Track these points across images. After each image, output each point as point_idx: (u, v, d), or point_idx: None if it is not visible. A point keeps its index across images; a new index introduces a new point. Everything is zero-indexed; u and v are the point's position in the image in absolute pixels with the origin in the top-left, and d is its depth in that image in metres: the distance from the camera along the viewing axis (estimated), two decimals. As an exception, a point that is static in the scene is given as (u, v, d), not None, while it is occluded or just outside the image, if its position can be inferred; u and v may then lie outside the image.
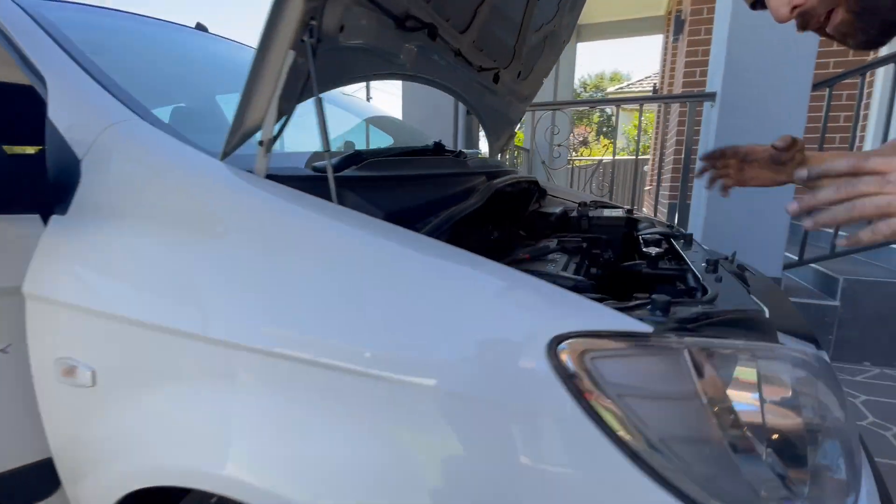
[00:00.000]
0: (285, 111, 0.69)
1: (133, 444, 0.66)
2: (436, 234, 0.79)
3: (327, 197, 0.76)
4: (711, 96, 2.44)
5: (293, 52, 0.64)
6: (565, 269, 1.07)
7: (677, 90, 4.62)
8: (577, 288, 0.92)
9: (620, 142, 13.43)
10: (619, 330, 0.50)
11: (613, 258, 1.45)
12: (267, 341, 0.55)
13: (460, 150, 1.24)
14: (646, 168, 6.76)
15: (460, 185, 1.02)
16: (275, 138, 0.69)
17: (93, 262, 0.69)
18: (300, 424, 0.54)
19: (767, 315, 0.74)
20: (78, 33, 1.12)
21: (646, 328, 0.50)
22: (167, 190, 0.69)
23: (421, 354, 0.51)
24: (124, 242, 0.68)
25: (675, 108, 4.27)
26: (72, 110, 0.80)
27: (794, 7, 0.59)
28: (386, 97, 22.80)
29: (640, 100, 2.79)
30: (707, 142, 2.54)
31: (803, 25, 0.61)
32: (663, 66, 6.71)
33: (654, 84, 8.86)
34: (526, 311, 0.50)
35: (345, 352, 0.53)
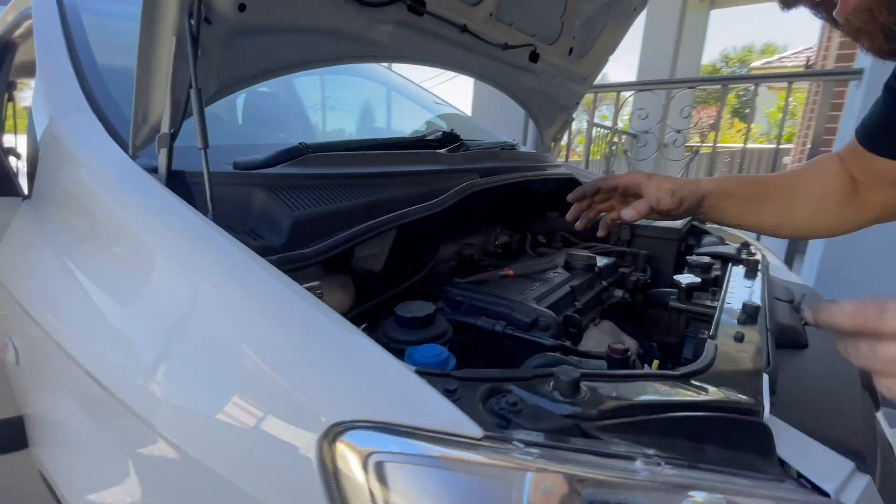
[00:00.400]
0: (181, 103, 0.63)
1: (39, 429, 0.69)
2: (360, 240, 0.67)
3: (241, 197, 0.70)
4: (857, 74, 1.88)
5: (175, 38, 0.57)
6: (552, 292, 0.88)
7: (830, 65, 3.70)
8: (536, 324, 0.74)
9: (760, 125, 11.45)
10: (430, 428, 0.35)
11: (650, 280, 1.19)
12: (90, 365, 0.51)
13: (461, 143, 1.09)
14: (786, 160, 5.64)
15: (431, 184, 0.88)
16: (174, 134, 0.64)
17: (21, 249, 0.72)
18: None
19: (765, 413, 0.50)
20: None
21: (473, 431, 0.35)
22: (78, 186, 0.68)
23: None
24: (41, 235, 0.70)
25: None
26: (47, 98, 0.84)
27: None
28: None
29: (756, 79, 2.25)
30: (847, 125, 1.98)
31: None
32: (821, 35, 5.45)
33: (808, 58, 7.29)
34: (314, 384, 0.38)
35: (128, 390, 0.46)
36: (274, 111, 1.66)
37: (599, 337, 0.98)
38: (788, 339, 0.73)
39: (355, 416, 0.36)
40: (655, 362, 0.77)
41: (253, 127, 1.46)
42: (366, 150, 0.87)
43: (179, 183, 0.66)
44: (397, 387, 0.37)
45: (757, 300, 0.81)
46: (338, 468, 0.35)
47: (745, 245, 1.21)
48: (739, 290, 0.90)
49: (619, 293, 1.14)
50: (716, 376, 0.56)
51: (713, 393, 0.50)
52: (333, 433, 0.36)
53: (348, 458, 0.35)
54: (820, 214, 0.67)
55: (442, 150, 1.01)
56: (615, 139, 3.93)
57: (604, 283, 1.09)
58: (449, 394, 0.41)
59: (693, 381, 0.54)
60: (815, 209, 0.67)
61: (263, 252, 0.63)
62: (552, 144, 1.76)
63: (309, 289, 0.61)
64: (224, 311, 0.45)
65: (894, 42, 0.36)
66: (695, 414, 0.45)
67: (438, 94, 2.06)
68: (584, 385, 0.45)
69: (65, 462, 0.55)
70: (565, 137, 2.35)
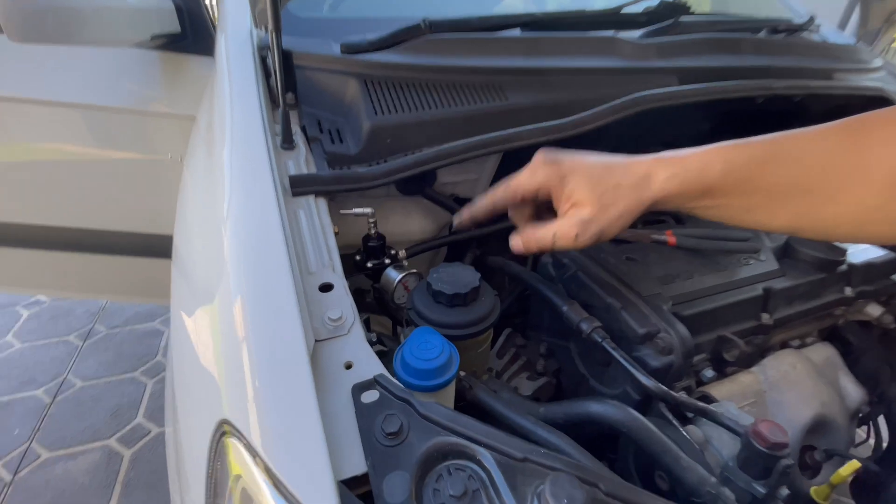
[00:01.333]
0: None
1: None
2: (437, 164, 0.53)
3: (339, 87, 0.61)
4: None
5: None
6: (722, 291, 0.58)
7: None
8: (649, 338, 0.50)
9: None
10: (291, 492, 0.26)
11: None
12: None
13: (675, 21, 0.71)
14: None
15: (595, 87, 0.62)
16: (276, 8, 0.57)
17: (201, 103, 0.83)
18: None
19: None
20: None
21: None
22: (220, 49, 0.70)
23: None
24: (206, 92, 0.78)
25: None
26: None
27: None
28: None
29: None
30: None
31: None
32: None
33: None
34: (238, 368, 0.32)
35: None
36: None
37: (792, 369, 0.65)
38: None
39: (242, 429, 0.29)
40: (851, 464, 0.46)
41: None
42: (508, 32, 0.65)
43: (287, 64, 0.62)
44: (296, 421, 0.28)
45: None
46: (215, 463, 0.31)
47: None
48: None
49: (874, 311, 0.71)
50: None
51: None
52: (223, 429, 0.30)
53: (223, 461, 0.30)
54: (886, 208, 0.32)
55: (630, 35, 0.68)
56: None
57: (849, 290, 0.68)
58: (387, 438, 0.30)
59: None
60: (882, 201, 0.32)
61: (333, 161, 0.56)
62: (883, 29, 1.04)
63: (359, 215, 0.54)
64: (213, 231, 0.42)
65: None
66: None
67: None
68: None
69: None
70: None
